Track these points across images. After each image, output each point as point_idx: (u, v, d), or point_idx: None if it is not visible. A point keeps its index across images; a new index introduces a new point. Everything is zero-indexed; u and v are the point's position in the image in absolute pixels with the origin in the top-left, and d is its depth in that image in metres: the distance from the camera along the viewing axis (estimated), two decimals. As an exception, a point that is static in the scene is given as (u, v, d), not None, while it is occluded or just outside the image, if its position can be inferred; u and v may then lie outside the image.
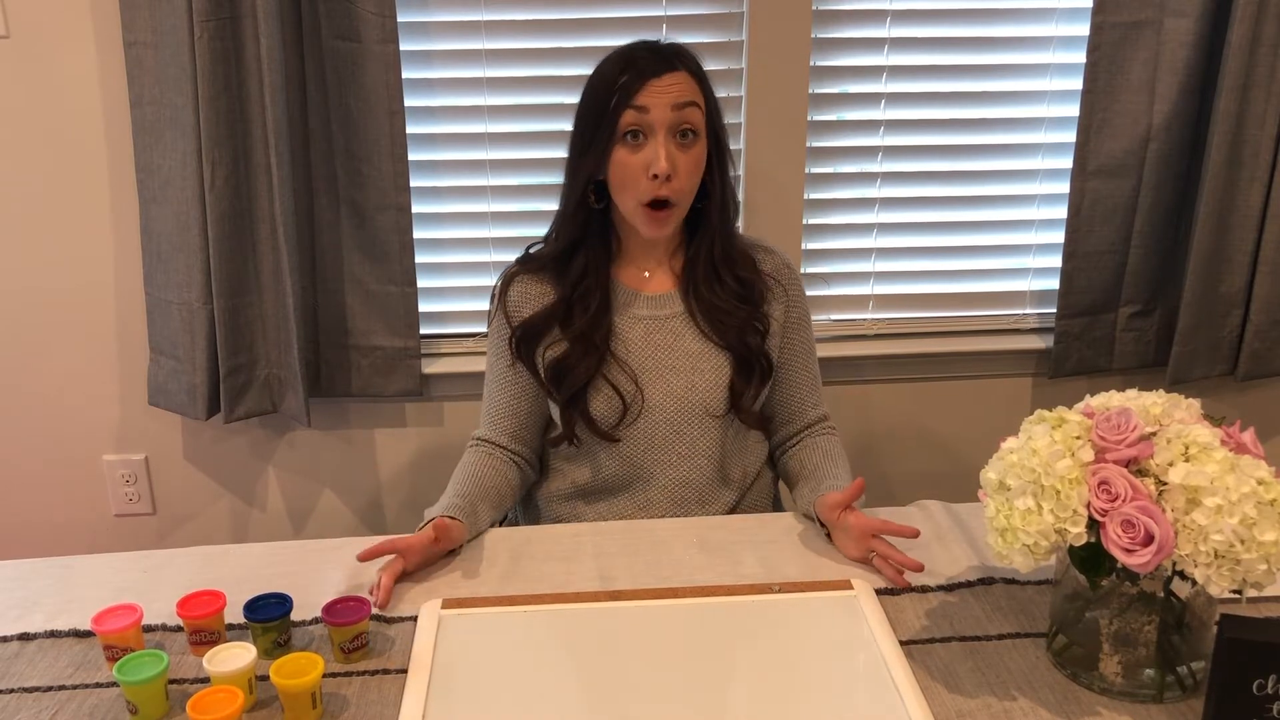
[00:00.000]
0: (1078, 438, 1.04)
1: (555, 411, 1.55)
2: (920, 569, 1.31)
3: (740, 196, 2.00)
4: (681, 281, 1.56)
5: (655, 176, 1.42)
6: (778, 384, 1.60)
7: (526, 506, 1.66)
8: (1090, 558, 1.04)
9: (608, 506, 1.56)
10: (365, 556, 1.31)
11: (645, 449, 1.53)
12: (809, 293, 1.62)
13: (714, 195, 1.51)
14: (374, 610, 1.24)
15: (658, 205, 1.45)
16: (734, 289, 1.53)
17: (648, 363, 1.53)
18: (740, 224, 1.91)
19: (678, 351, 1.53)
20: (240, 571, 1.35)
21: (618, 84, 1.43)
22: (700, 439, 1.53)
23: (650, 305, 1.55)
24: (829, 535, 1.40)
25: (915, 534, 1.33)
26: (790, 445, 1.62)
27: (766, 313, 1.56)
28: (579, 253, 1.53)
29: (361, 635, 1.17)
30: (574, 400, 1.51)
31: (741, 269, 1.55)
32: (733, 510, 1.58)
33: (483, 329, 2.09)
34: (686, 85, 1.44)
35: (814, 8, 1.97)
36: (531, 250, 1.59)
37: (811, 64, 2.01)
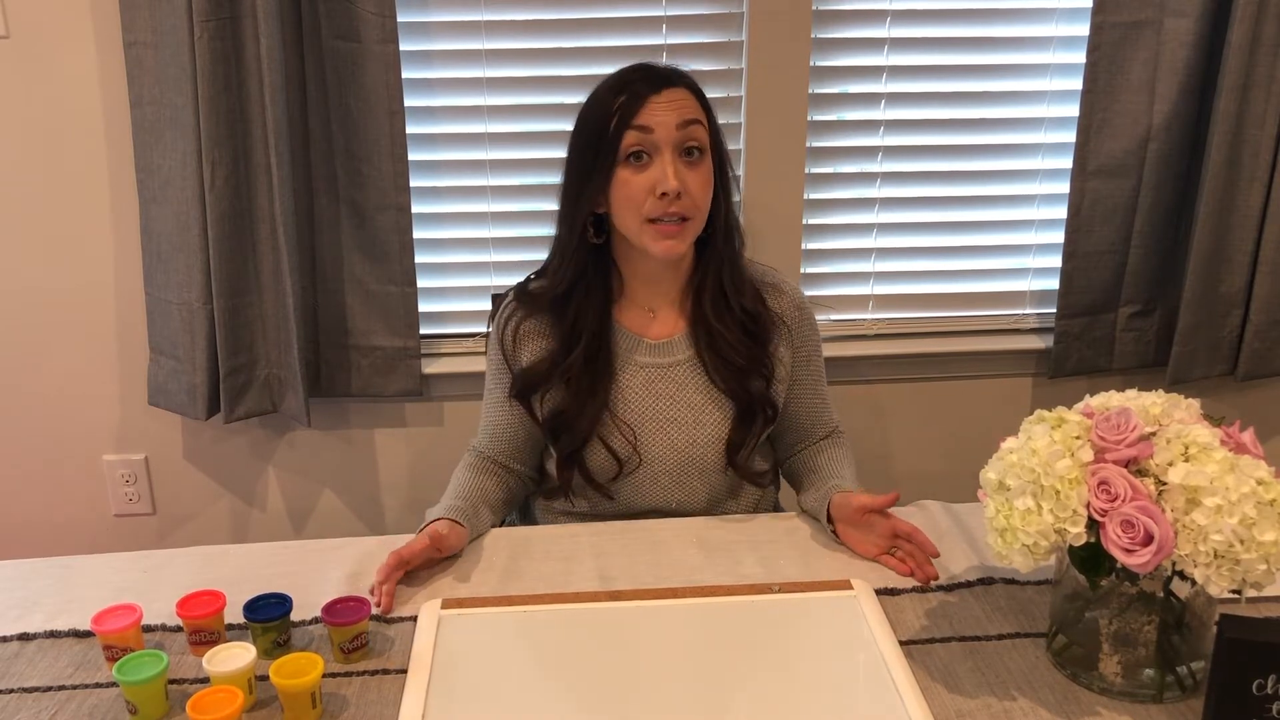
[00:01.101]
0: (1077, 438, 1.04)
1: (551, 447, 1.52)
2: (937, 578, 1.31)
3: (740, 197, 1.99)
4: (690, 319, 1.50)
5: (664, 195, 1.36)
6: (785, 412, 1.56)
7: (524, 512, 1.66)
8: (1090, 558, 1.04)
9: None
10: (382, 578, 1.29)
11: (640, 498, 1.51)
12: (808, 292, 1.61)
13: (718, 220, 1.46)
14: (374, 611, 1.24)
15: (668, 221, 1.38)
16: (740, 319, 1.48)
17: (648, 413, 1.48)
18: (740, 224, 1.90)
19: (680, 403, 1.48)
20: (240, 571, 1.35)
21: (616, 105, 1.37)
22: (699, 488, 1.51)
23: (653, 353, 1.49)
24: (834, 531, 1.40)
25: (936, 554, 1.33)
26: (797, 451, 1.61)
27: (773, 353, 1.51)
28: (578, 294, 1.46)
29: (361, 635, 1.17)
30: (571, 457, 1.48)
31: (749, 300, 1.49)
32: None
33: (482, 328, 2.09)
34: (688, 102, 1.39)
35: (814, 8, 1.97)
36: (530, 286, 1.52)
37: (811, 64, 2.01)
